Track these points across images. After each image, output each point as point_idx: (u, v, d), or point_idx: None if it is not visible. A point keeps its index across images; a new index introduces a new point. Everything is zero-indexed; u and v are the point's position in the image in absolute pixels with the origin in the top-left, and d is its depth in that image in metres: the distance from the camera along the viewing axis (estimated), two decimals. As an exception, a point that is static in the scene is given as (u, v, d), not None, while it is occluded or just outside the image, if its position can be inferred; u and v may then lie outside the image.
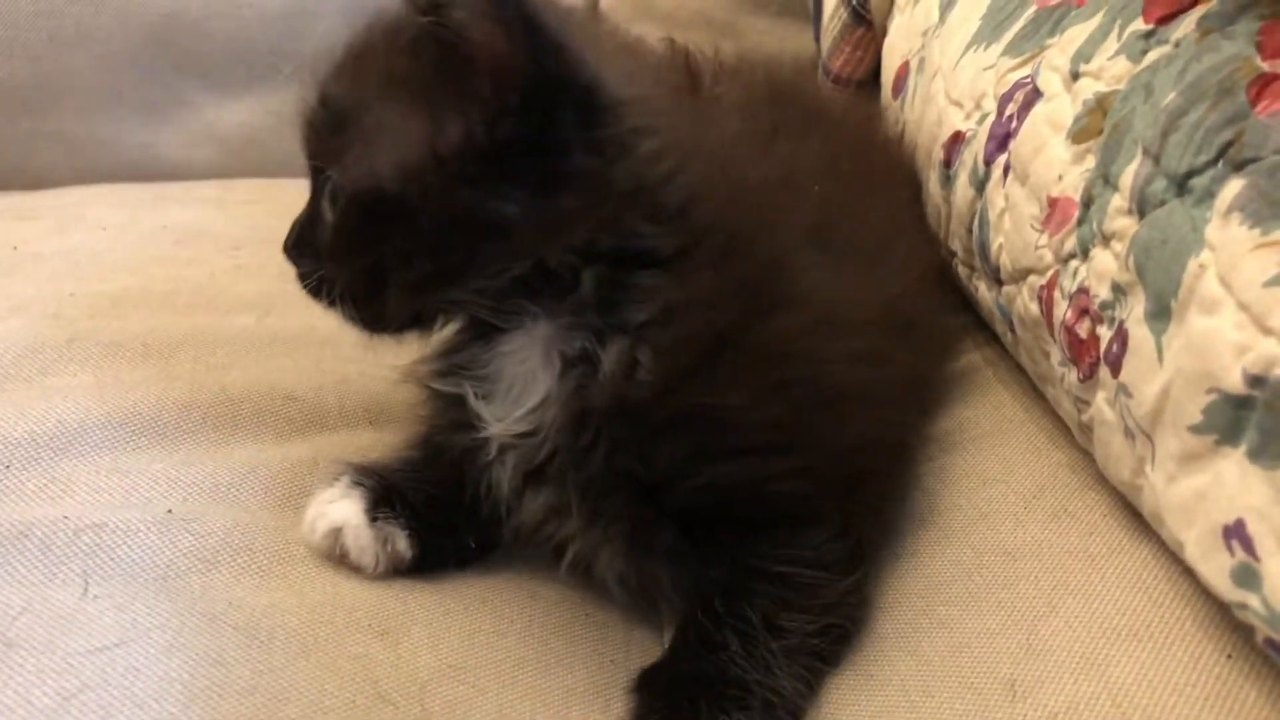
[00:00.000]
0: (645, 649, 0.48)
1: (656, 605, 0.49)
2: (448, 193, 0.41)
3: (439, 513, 0.48)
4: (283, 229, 0.76)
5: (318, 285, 0.47)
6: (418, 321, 0.46)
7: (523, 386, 0.45)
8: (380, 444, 0.54)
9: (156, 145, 0.89)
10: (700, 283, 0.44)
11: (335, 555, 0.46)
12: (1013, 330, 0.52)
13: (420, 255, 0.43)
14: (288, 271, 0.69)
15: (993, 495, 0.51)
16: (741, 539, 0.45)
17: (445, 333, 0.48)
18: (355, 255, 0.44)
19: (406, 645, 0.43)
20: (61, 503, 0.46)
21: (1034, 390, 0.53)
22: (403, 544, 0.47)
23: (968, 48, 0.58)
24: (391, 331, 0.46)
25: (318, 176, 0.47)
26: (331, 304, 0.46)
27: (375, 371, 0.58)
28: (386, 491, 0.48)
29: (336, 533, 0.46)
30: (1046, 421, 0.52)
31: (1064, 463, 0.50)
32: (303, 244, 0.48)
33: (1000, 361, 0.58)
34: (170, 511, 0.46)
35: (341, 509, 0.47)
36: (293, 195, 0.84)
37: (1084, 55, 0.48)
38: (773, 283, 0.45)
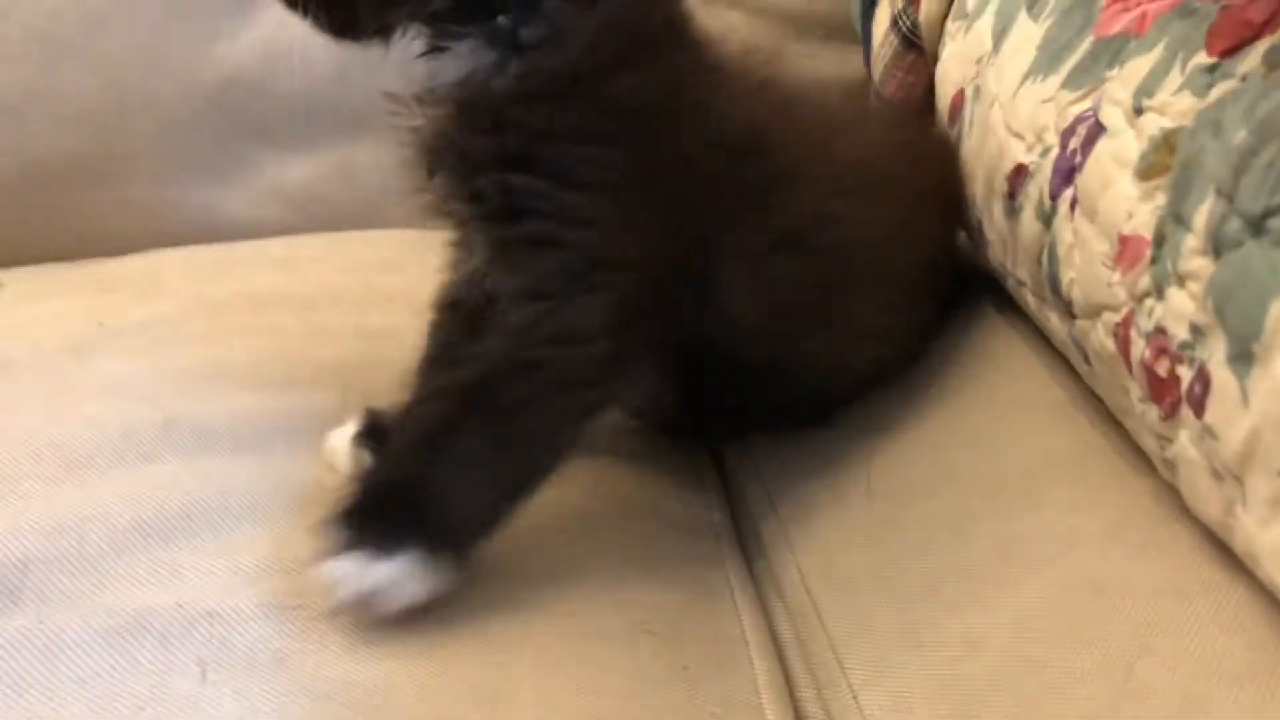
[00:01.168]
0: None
1: None
2: None
3: None
4: (350, 285, 0.78)
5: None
6: (380, 33, 0.55)
7: (441, 89, 0.55)
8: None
9: (222, 205, 0.91)
10: (588, 18, 0.53)
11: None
12: (1088, 362, 0.52)
13: None
14: (364, 333, 0.71)
15: (1076, 525, 0.51)
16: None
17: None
18: None
19: (517, 713, 0.44)
20: (173, 588, 0.48)
21: (1113, 418, 0.53)
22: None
23: (1025, 78, 0.58)
24: (358, 40, 0.55)
25: None
26: (305, 13, 0.54)
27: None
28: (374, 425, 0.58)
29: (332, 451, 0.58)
30: (1127, 449, 0.52)
31: (1147, 491, 0.50)
32: None
33: (1075, 387, 0.58)
34: (278, 592, 0.48)
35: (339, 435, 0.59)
36: (358, 250, 0.87)
37: (1147, 90, 0.48)
38: (652, 39, 0.56)
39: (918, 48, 0.74)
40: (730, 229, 0.57)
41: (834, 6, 0.89)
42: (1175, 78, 0.47)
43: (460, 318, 0.61)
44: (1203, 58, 0.46)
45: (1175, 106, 0.46)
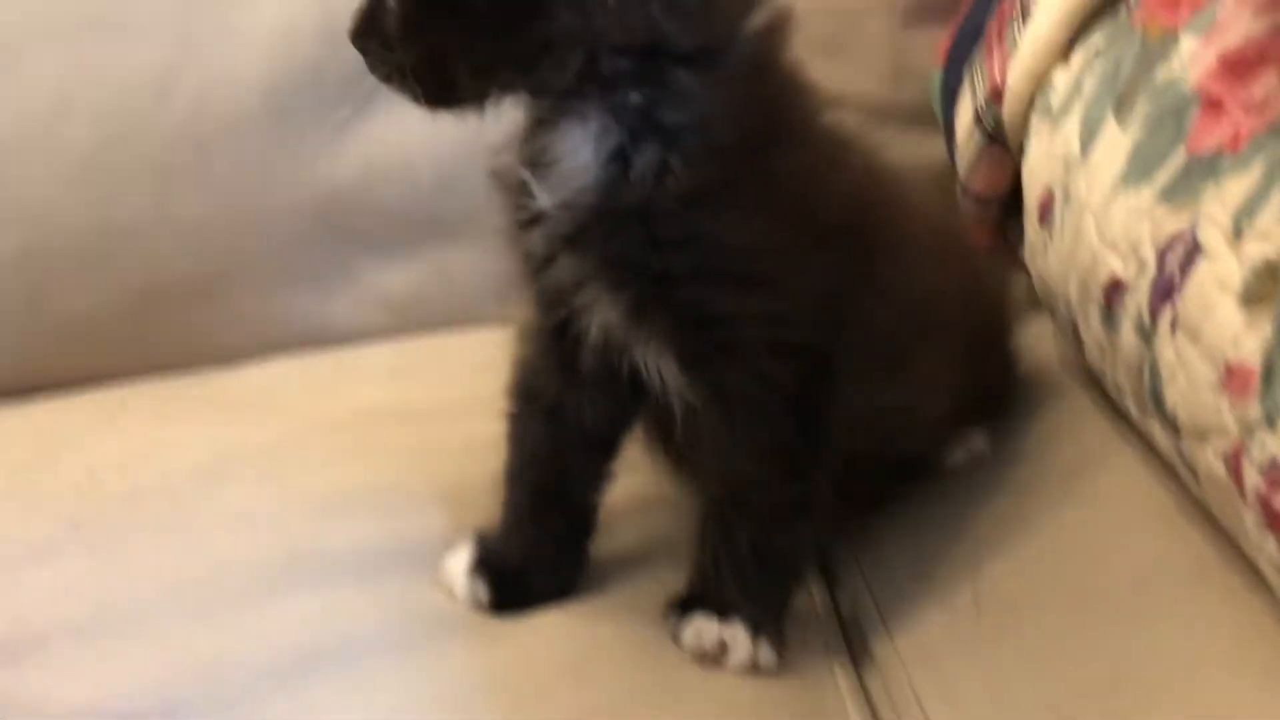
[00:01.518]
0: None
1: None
2: None
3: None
4: (455, 397, 0.81)
5: (387, 72, 0.52)
6: (480, 101, 0.52)
7: (570, 172, 0.52)
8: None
9: (327, 314, 0.95)
10: (730, 94, 0.50)
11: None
12: (1196, 479, 0.52)
13: (479, 41, 0.49)
14: (472, 446, 0.73)
15: (1194, 647, 0.51)
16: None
17: (517, 124, 0.55)
18: (420, 41, 0.50)
19: None
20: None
21: (1222, 526, 0.53)
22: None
23: (1117, 188, 0.58)
24: (455, 109, 0.52)
25: None
26: (400, 87, 0.51)
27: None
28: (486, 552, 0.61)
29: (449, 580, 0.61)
30: (1240, 563, 0.52)
31: (1266, 611, 0.49)
32: (368, 34, 0.52)
33: (1181, 492, 0.57)
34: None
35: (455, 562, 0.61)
36: (458, 354, 0.89)
37: (1246, 212, 0.48)
38: (790, 109, 0.54)
39: (1002, 143, 0.75)
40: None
41: (917, 94, 0.90)
42: (1276, 201, 0.47)
43: (541, 411, 0.61)
44: (1302, 182, 0.46)
45: (1277, 234, 0.46)
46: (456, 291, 0.96)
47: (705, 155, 0.50)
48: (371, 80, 0.86)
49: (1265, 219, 0.47)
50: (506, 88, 0.51)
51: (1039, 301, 0.73)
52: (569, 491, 0.62)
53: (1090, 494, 0.62)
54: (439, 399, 0.79)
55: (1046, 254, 0.67)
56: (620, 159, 0.51)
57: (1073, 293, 0.63)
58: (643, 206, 0.51)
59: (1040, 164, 0.69)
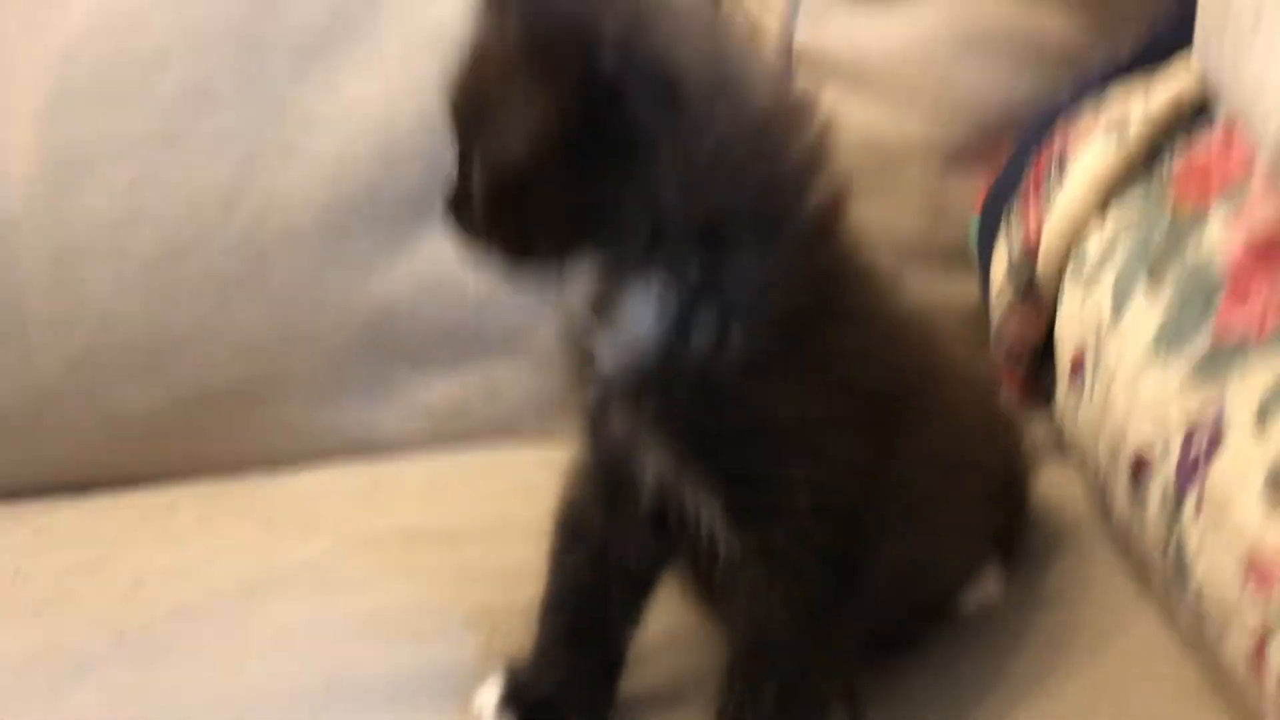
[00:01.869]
0: None
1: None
2: (561, 168, 0.50)
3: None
4: (493, 516, 0.83)
5: (470, 242, 0.55)
6: (552, 270, 0.54)
7: (632, 335, 0.54)
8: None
9: (372, 424, 0.97)
10: (788, 268, 0.53)
11: None
12: (1220, 662, 0.53)
13: (554, 221, 0.52)
14: (505, 568, 0.75)
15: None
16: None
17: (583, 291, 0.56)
18: (500, 224, 0.53)
19: None
20: None
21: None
22: None
23: (1145, 365, 0.60)
24: (531, 277, 0.55)
25: (464, 158, 0.54)
26: (484, 258, 0.55)
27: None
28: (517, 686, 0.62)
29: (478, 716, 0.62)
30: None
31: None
32: (455, 212, 0.55)
33: (1208, 667, 0.58)
34: None
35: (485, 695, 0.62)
36: (498, 472, 0.91)
37: (1272, 402, 0.50)
38: (848, 286, 0.56)
39: (1034, 299, 0.77)
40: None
41: (956, 236, 0.92)
42: (1299, 397, 0.49)
43: (586, 551, 0.62)
44: (1324, 378, 0.48)
45: (1300, 430, 0.48)
46: (499, 405, 0.99)
47: (761, 327, 0.53)
48: (425, 202, 0.92)
49: (1287, 413, 0.49)
50: (577, 258, 0.54)
51: (1062, 444, 0.75)
52: (607, 626, 0.63)
53: (1118, 664, 0.62)
54: (475, 520, 0.81)
55: (1077, 415, 0.69)
56: (681, 325, 0.53)
57: (1102, 457, 0.65)
58: (699, 371, 0.53)
59: (1072, 325, 0.71)
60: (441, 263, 0.96)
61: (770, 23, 0.98)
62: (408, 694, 0.64)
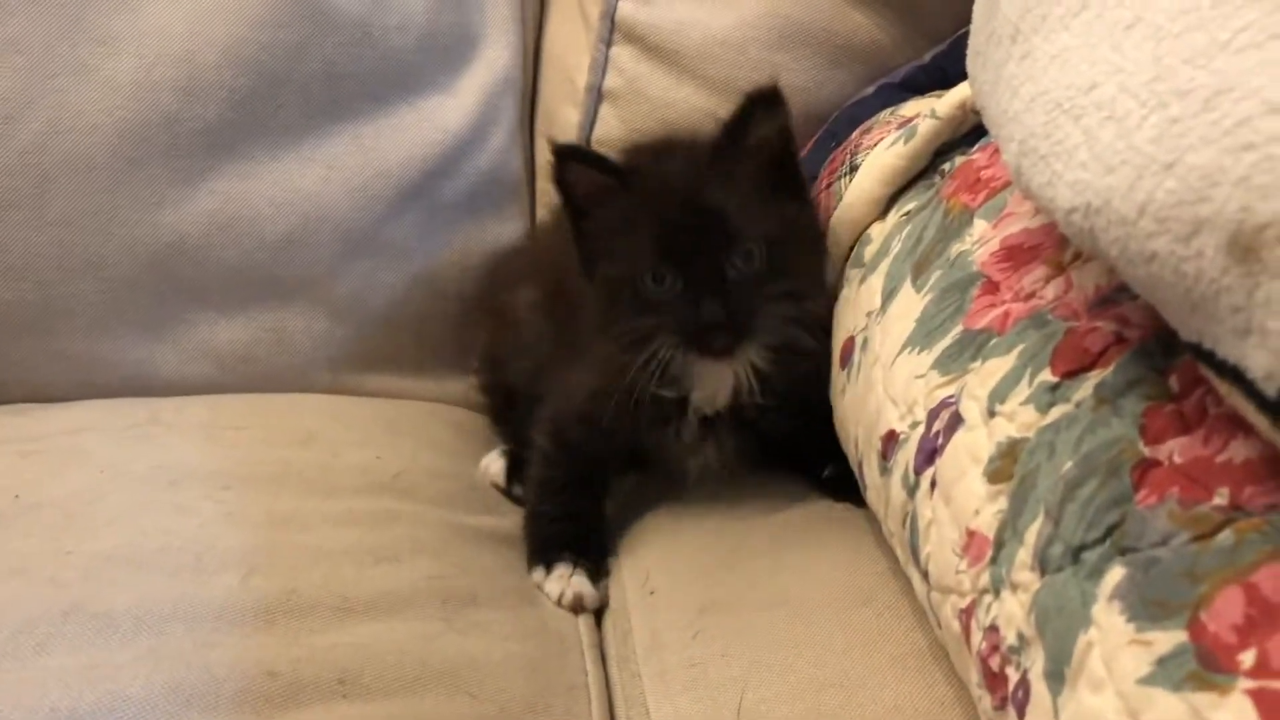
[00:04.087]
0: None
1: None
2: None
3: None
4: (268, 463, 0.81)
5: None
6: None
7: (715, 389, 0.80)
8: (353, 715, 0.59)
9: (153, 362, 0.94)
10: (817, 324, 0.77)
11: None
12: (940, 628, 0.56)
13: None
14: (273, 519, 0.74)
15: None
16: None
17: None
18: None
19: None
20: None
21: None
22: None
23: (903, 348, 0.63)
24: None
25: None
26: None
27: (348, 640, 0.63)
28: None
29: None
30: (975, 712, 0.56)
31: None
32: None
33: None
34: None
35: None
36: (279, 418, 0.89)
37: (1000, 394, 0.53)
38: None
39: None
40: None
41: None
42: (1024, 389, 0.52)
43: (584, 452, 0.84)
44: (1047, 374, 0.51)
45: (1021, 417, 0.51)
46: (288, 353, 0.97)
47: (797, 361, 0.78)
48: (225, 138, 0.92)
49: (1013, 401, 0.52)
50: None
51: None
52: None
53: (860, 628, 0.65)
54: (249, 465, 0.79)
55: (844, 396, 0.72)
56: (747, 381, 0.78)
57: (860, 436, 0.67)
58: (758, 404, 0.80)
59: (847, 312, 0.74)
60: (238, 201, 0.94)
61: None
62: (152, 627, 0.62)
